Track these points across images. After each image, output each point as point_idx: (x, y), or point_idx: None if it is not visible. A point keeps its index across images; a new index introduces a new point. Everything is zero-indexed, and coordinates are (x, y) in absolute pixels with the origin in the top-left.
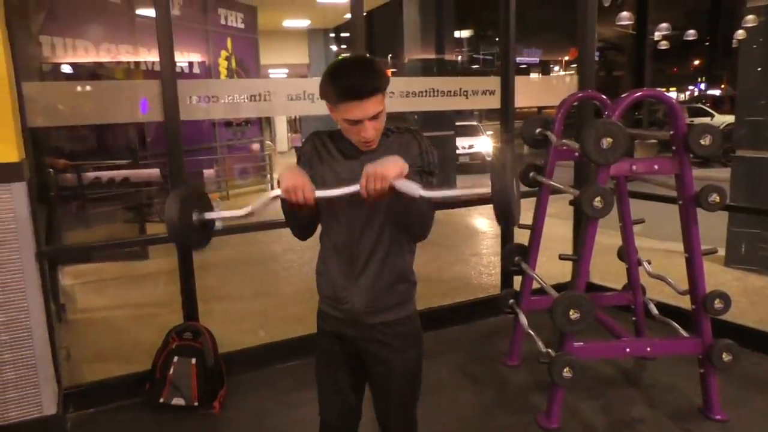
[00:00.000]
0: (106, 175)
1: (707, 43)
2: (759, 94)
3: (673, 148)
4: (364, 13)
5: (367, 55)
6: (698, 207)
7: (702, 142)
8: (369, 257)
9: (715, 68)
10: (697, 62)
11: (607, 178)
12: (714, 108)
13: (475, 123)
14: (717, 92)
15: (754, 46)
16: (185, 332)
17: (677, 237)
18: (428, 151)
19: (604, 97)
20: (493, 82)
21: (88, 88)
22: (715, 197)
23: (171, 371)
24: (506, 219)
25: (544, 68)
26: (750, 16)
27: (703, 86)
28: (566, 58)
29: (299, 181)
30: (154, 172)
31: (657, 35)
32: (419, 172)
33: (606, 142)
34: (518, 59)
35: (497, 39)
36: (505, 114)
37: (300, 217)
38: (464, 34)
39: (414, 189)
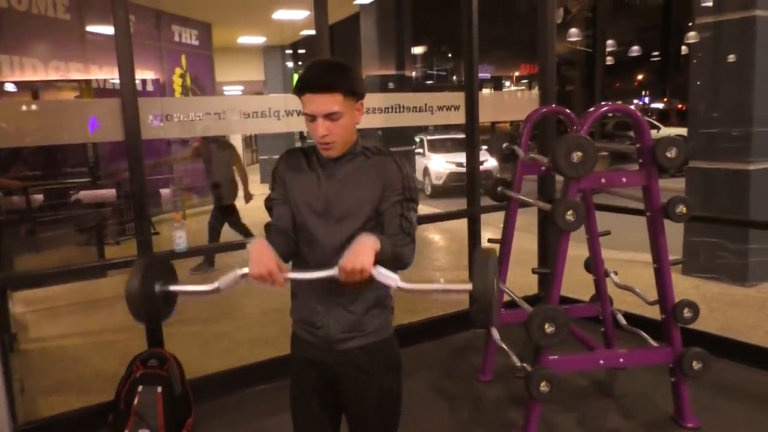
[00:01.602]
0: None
1: (653, 59)
2: (712, 107)
3: (640, 160)
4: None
5: (344, 60)
6: (666, 218)
7: (668, 154)
8: None
9: (658, 82)
10: (640, 77)
11: (576, 192)
12: (660, 121)
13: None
14: (660, 105)
15: (695, 61)
16: (150, 359)
17: (635, 247)
18: (410, 177)
19: (568, 111)
20: (458, 98)
21: (44, 107)
22: (682, 208)
23: (135, 401)
24: (485, 317)
25: (496, 84)
26: (692, 33)
27: (646, 100)
28: (516, 73)
29: (266, 267)
30: (109, 192)
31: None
32: (401, 200)
33: (576, 156)
34: None
35: (450, 55)
36: (470, 129)
37: None
38: (418, 50)
39: (392, 280)
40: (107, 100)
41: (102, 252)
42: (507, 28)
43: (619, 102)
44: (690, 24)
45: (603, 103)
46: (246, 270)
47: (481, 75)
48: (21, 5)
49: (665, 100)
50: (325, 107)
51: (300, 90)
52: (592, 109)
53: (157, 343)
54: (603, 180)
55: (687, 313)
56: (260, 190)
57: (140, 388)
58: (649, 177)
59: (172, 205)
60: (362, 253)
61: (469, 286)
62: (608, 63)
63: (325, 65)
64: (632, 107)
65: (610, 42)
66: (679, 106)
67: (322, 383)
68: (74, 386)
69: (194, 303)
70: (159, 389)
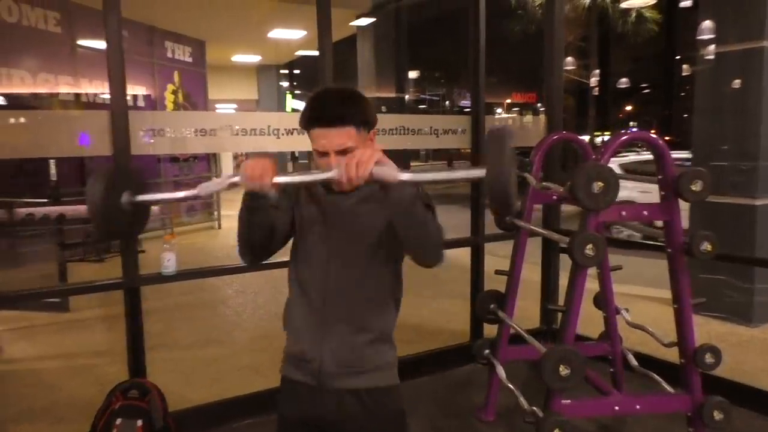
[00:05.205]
0: (40, 211)
1: (643, 91)
2: (716, 139)
3: (662, 193)
4: (314, 52)
5: (354, 89)
6: (689, 256)
7: (693, 188)
8: (346, 304)
9: (645, 114)
10: (628, 108)
11: (595, 224)
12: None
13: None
14: None
15: (698, 93)
16: (131, 390)
17: (632, 280)
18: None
19: (581, 138)
20: (464, 121)
21: (24, 119)
22: (706, 246)
23: None
24: (503, 205)
25: (488, 110)
26: (685, 65)
27: (634, 130)
28: (508, 101)
29: (261, 162)
30: None
31: (593, 81)
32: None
33: (597, 186)
34: (462, 102)
35: (442, 80)
36: (476, 152)
37: (256, 222)
38: (411, 74)
39: (392, 173)
40: (95, 112)
41: (64, 274)
42: (499, 57)
43: (608, 132)
44: (678, 57)
45: (623, 131)
46: (236, 178)
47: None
48: (11, 17)
49: (653, 131)
50: (337, 142)
51: (308, 123)
52: (611, 138)
53: (140, 371)
54: (623, 213)
55: (709, 358)
56: None
57: (119, 421)
58: (672, 211)
59: (160, 223)
60: (369, 150)
61: (482, 172)
62: (596, 93)
63: (334, 96)
64: (654, 135)
65: (597, 72)
66: (667, 137)
67: None
68: (47, 414)
69: (178, 326)
70: (139, 423)
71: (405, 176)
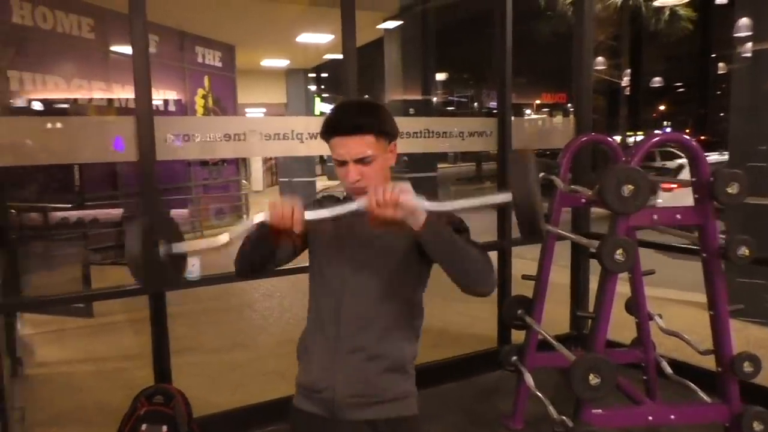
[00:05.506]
0: (74, 215)
1: (677, 90)
2: (758, 139)
3: (696, 196)
4: (341, 55)
5: (373, 100)
6: (725, 260)
7: (729, 190)
8: (360, 330)
9: (679, 114)
10: (662, 107)
11: (626, 228)
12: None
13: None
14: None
15: (735, 92)
16: (156, 395)
17: (665, 284)
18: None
19: (611, 140)
20: (490, 123)
21: (58, 124)
22: (744, 250)
23: None
24: (531, 228)
25: (517, 111)
26: (721, 64)
27: (669, 130)
28: (537, 101)
29: (289, 201)
30: (116, 211)
31: (625, 80)
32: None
33: (627, 189)
34: (490, 104)
35: (471, 82)
36: (502, 156)
37: (263, 244)
38: (439, 76)
39: (419, 203)
40: (122, 118)
41: (88, 280)
42: (528, 57)
43: (641, 132)
44: (714, 55)
45: (656, 132)
46: (262, 217)
47: None
48: (46, 23)
49: (687, 131)
50: (356, 151)
51: (328, 133)
52: (642, 139)
53: (165, 377)
54: (655, 217)
55: (748, 367)
56: None
57: (144, 426)
58: (706, 215)
59: (190, 226)
60: (397, 185)
61: (508, 196)
62: (627, 93)
63: (353, 106)
64: (686, 137)
65: (629, 71)
66: (702, 137)
67: None
68: (75, 418)
69: (204, 330)
70: (164, 429)
71: (431, 206)
